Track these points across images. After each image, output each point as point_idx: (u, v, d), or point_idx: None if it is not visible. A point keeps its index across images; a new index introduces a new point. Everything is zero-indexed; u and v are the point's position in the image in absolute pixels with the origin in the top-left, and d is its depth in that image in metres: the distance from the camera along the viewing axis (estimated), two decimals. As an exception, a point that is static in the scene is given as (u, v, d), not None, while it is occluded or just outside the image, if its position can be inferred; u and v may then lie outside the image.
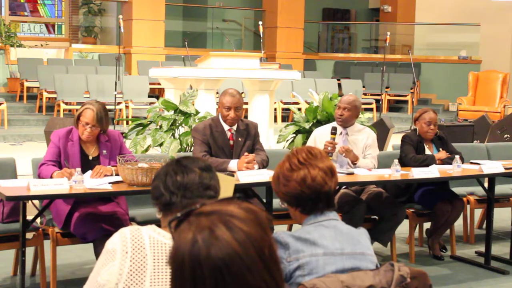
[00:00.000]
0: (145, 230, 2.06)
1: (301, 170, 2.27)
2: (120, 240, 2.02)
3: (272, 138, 7.90)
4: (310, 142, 5.21)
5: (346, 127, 5.13)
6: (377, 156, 5.17)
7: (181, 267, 1.26)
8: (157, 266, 2.01)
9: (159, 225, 2.14)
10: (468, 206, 5.79)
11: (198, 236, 1.26)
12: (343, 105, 5.10)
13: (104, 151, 4.40)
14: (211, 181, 2.17)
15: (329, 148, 4.90)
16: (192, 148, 5.26)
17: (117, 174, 4.19)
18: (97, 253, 4.07)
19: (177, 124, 6.42)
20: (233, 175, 4.40)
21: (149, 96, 12.31)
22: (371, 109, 13.05)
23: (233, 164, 4.65)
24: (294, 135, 6.78)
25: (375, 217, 5.09)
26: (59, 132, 4.35)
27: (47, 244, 4.29)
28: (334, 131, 5.01)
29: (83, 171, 4.12)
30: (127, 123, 9.89)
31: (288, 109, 11.97)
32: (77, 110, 4.48)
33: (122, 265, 1.99)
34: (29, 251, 4.26)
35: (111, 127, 4.73)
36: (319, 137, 5.14)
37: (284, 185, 2.31)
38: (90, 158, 4.38)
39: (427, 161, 5.20)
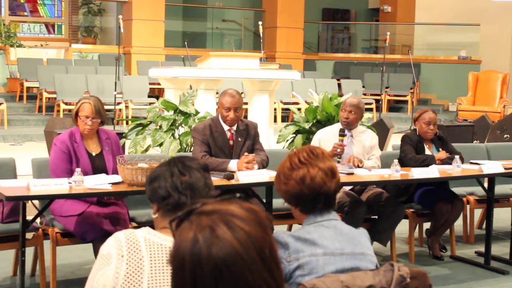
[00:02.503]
0: (140, 233, 2.05)
1: (300, 169, 2.27)
2: (115, 244, 2.01)
3: (272, 138, 7.90)
4: (314, 144, 5.20)
5: (351, 129, 5.16)
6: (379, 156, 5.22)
7: (182, 266, 1.26)
8: (154, 267, 2.01)
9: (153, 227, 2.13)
10: (468, 206, 5.78)
11: (199, 235, 1.26)
12: (348, 108, 5.10)
13: (107, 148, 4.44)
14: (211, 181, 2.17)
15: (339, 150, 4.94)
16: (192, 148, 5.26)
17: None
18: (96, 254, 4.08)
19: (177, 124, 6.42)
20: (233, 175, 4.41)
21: (149, 96, 12.31)
22: (371, 109, 13.05)
23: (233, 164, 4.65)
24: (294, 135, 6.78)
25: (374, 217, 5.10)
26: (62, 138, 4.34)
27: (47, 244, 4.29)
28: (342, 133, 5.06)
29: (89, 169, 4.16)
30: (127, 123, 9.89)
31: (288, 109, 11.96)
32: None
33: (118, 268, 1.98)
34: (29, 251, 4.26)
35: (110, 127, 4.75)
36: (324, 138, 5.14)
37: (284, 184, 2.31)
38: (94, 155, 4.40)
39: (427, 161, 5.20)
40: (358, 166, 4.91)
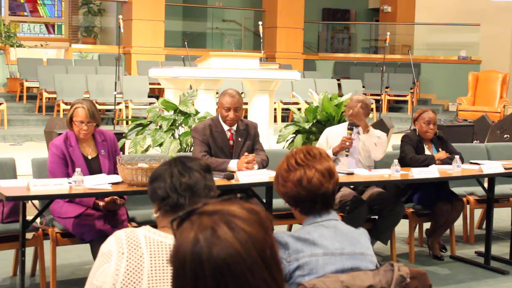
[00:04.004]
0: (140, 231, 2.06)
1: (297, 171, 2.27)
2: (116, 242, 2.01)
3: (272, 138, 7.90)
4: (321, 140, 5.25)
5: (358, 126, 5.16)
6: (386, 146, 5.20)
7: (183, 266, 1.27)
8: (154, 265, 2.01)
9: (155, 226, 2.13)
10: (468, 206, 5.79)
11: (200, 236, 1.26)
12: (354, 104, 5.14)
13: (103, 151, 4.41)
14: (212, 182, 2.17)
15: (347, 144, 4.98)
16: (192, 148, 5.26)
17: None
18: (95, 254, 4.08)
19: (177, 124, 6.42)
20: (233, 175, 4.41)
21: (149, 96, 12.31)
22: (371, 109, 13.03)
23: (233, 164, 4.65)
24: (294, 135, 6.78)
25: (375, 217, 5.10)
26: (57, 142, 4.31)
27: (47, 244, 4.29)
28: (351, 126, 5.08)
29: (85, 172, 4.14)
30: (127, 123, 9.88)
31: (288, 109, 11.97)
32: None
33: (118, 265, 1.98)
34: (29, 251, 4.26)
35: (110, 127, 4.73)
36: (332, 135, 5.19)
37: (282, 186, 2.31)
38: (89, 158, 4.38)
39: (427, 161, 5.21)
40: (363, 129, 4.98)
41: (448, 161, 5.26)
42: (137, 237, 2.03)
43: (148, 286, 1.99)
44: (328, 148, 5.08)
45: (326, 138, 5.21)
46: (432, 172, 4.85)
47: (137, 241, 2.02)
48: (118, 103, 11.23)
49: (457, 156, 5.14)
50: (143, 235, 2.04)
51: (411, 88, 14.74)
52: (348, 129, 5.09)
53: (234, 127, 4.85)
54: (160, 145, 6.14)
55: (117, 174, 4.18)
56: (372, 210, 5.01)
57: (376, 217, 5.09)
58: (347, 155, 5.04)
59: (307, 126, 6.62)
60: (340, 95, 7.35)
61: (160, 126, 6.37)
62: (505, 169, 5.16)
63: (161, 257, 2.02)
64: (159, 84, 10.65)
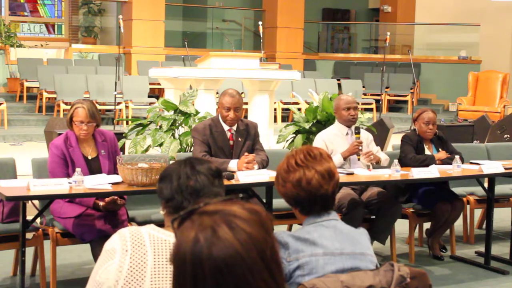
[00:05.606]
0: (144, 229, 2.07)
1: (297, 172, 2.26)
2: (120, 240, 2.02)
3: (272, 138, 7.90)
4: (319, 146, 5.15)
5: (351, 127, 5.16)
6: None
7: (183, 266, 1.27)
8: (158, 262, 2.02)
9: (158, 226, 2.14)
10: (468, 206, 5.79)
11: (200, 235, 1.26)
12: (353, 105, 5.12)
13: (103, 151, 4.40)
14: (220, 188, 2.17)
15: (360, 148, 4.95)
16: (192, 148, 5.26)
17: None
18: (95, 254, 4.09)
19: (177, 124, 6.42)
20: (233, 175, 4.41)
21: (149, 96, 12.31)
22: (371, 109, 13.04)
23: (233, 164, 4.65)
24: (294, 135, 6.78)
25: (373, 217, 5.09)
26: (57, 142, 4.31)
27: (47, 244, 4.29)
28: (357, 130, 5.06)
29: (85, 173, 4.14)
30: (127, 123, 9.88)
31: (288, 109, 11.97)
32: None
33: (122, 262, 1.99)
34: (29, 251, 4.26)
35: (110, 127, 4.72)
36: (329, 140, 5.10)
37: (282, 186, 2.31)
38: (90, 158, 4.38)
39: (427, 161, 5.21)
40: (377, 163, 4.95)
41: (448, 161, 5.26)
42: (141, 235, 2.04)
43: (150, 283, 2.00)
44: (330, 153, 5.03)
45: (324, 143, 5.07)
46: (432, 172, 4.85)
47: (141, 239, 2.03)
48: (118, 103, 11.23)
49: (457, 156, 5.14)
50: (147, 233, 2.05)
51: (411, 88, 14.74)
52: (355, 133, 5.06)
53: (234, 127, 4.85)
54: (160, 145, 6.14)
55: (117, 174, 4.18)
56: (370, 210, 5.01)
57: (374, 217, 5.09)
58: (359, 159, 5.00)
59: (307, 126, 6.62)
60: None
61: (160, 126, 6.37)
62: (505, 169, 5.16)
63: (165, 255, 2.03)
64: (159, 84, 10.65)
